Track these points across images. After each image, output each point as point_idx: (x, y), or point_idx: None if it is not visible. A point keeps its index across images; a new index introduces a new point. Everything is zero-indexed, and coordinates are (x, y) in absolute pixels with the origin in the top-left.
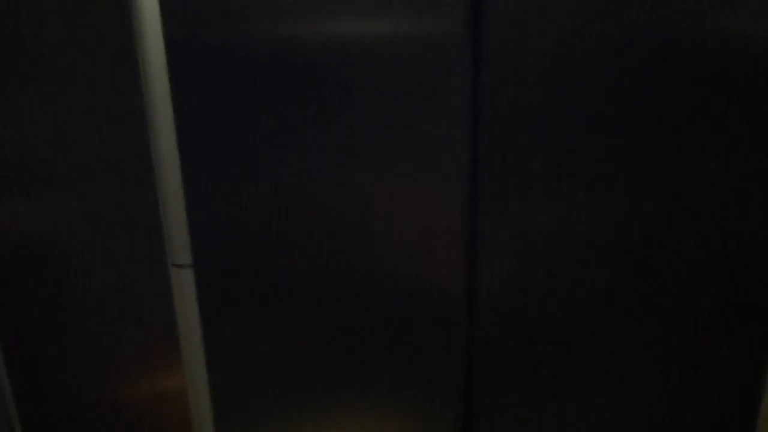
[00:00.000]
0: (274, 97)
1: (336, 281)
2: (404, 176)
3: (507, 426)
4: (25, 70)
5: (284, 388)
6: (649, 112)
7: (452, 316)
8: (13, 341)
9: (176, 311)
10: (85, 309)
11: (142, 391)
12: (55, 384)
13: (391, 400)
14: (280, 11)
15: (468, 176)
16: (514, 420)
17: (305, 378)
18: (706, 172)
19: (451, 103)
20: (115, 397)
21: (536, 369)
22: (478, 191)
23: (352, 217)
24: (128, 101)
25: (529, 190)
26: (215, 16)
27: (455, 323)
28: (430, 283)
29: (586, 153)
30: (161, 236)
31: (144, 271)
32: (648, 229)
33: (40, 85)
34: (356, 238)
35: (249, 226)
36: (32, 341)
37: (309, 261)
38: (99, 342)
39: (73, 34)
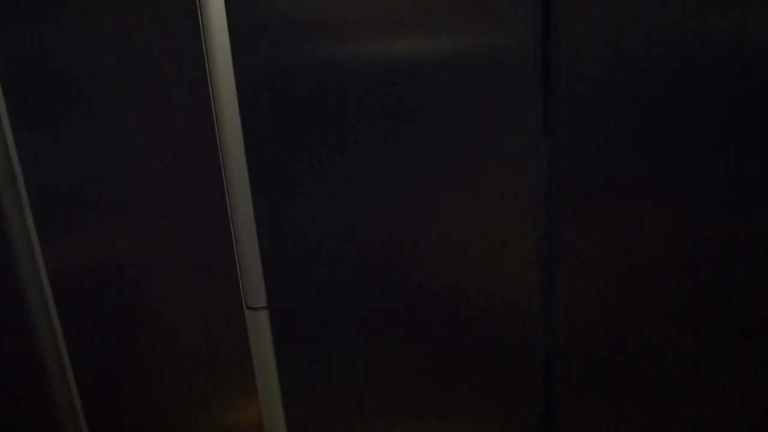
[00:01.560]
0: (344, 129)
1: (408, 307)
2: (477, 194)
3: None
4: (100, 109)
5: (359, 417)
6: (730, 128)
7: (529, 336)
8: (91, 378)
9: (252, 351)
10: (161, 348)
11: (219, 428)
12: (131, 422)
13: (467, 425)
14: (345, 35)
15: (543, 192)
16: None
17: (379, 405)
18: None
19: (523, 119)
20: None
21: (617, 393)
22: (553, 207)
23: (425, 243)
24: (203, 142)
25: (605, 205)
26: (282, 44)
27: (532, 344)
28: (505, 302)
29: (664, 167)
30: (236, 279)
31: (219, 313)
32: (728, 246)
33: (116, 116)
34: (430, 262)
35: (321, 264)
36: (110, 378)
37: (380, 292)
38: (176, 383)
39: (150, 70)
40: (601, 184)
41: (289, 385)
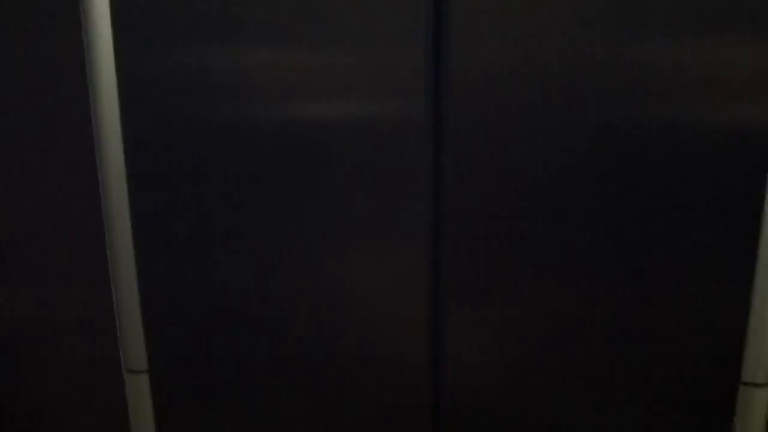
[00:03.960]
0: (232, 185)
1: (296, 375)
2: (367, 258)
3: None
4: None
5: None
6: (621, 196)
7: (419, 401)
8: None
9: (130, 418)
10: (36, 410)
11: None
12: None
13: None
14: (242, 93)
15: (432, 258)
16: None
17: None
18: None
19: (414, 188)
20: None
21: None
22: (442, 274)
23: (315, 306)
24: (84, 198)
25: (494, 275)
26: (177, 100)
27: (422, 409)
28: (393, 364)
29: (552, 238)
30: (116, 341)
31: (98, 377)
32: (622, 314)
33: None
34: (319, 324)
35: (206, 325)
36: None
37: (268, 355)
38: None
39: (32, 123)
40: (490, 257)
41: None
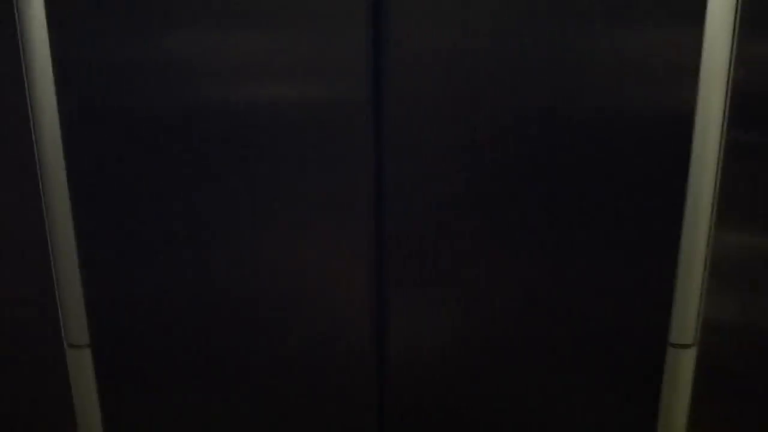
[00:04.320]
0: (174, 161)
1: (240, 351)
2: (309, 239)
3: None
4: None
5: None
6: (558, 189)
7: (361, 380)
8: None
9: (73, 394)
10: None
11: None
12: None
13: None
14: (183, 73)
15: (374, 239)
16: None
17: None
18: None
19: (355, 167)
20: None
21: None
22: (384, 255)
23: (260, 281)
24: (20, 164)
25: (435, 255)
26: (116, 77)
27: (365, 388)
28: (337, 347)
29: (492, 224)
30: (57, 315)
31: (38, 352)
32: (553, 289)
33: None
34: (260, 305)
35: (149, 298)
36: None
37: (213, 332)
38: None
39: None
40: (431, 236)
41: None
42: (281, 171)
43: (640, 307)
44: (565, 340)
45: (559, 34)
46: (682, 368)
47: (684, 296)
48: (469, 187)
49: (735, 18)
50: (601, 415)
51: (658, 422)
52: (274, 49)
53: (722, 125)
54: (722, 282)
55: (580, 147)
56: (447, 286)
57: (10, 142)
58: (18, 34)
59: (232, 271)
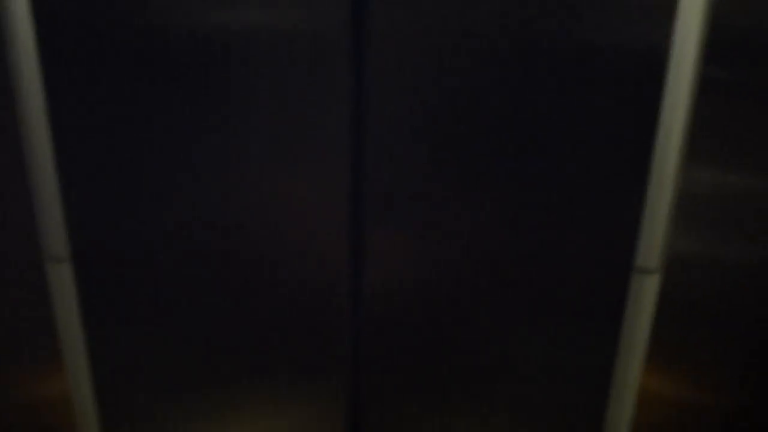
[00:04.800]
0: (150, 86)
1: (220, 277)
2: (287, 173)
3: (394, 418)
4: None
5: (171, 387)
6: (533, 119)
7: (337, 314)
8: None
9: (55, 309)
10: None
11: (21, 398)
12: None
13: (279, 397)
14: (161, 4)
15: (351, 173)
16: (401, 413)
17: (192, 375)
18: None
19: (333, 102)
20: None
21: (421, 364)
22: (361, 189)
23: (234, 212)
24: None
25: (411, 191)
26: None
27: (340, 321)
28: (314, 281)
29: (469, 156)
30: (35, 228)
31: (16, 267)
32: (528, 230)
33: None
34: (238, 232)
35: (133, 216)
36: None
37: (194, 256)
38: None
39: None
40: (408, 173)
41: (98, 350)
42: (258, 103)
43: (608, 231)
44: (534, 268)
45: None
46: (645, 294)
47: (651, 221)
48: (449, 122)
49: None
50: (565, 339)
51: (618, 346)
52: None
53: (696, 60)
54: (689, 214)
55: (554, 81)
56: (423, 222)
57: None
58: None
59: (210, 199)
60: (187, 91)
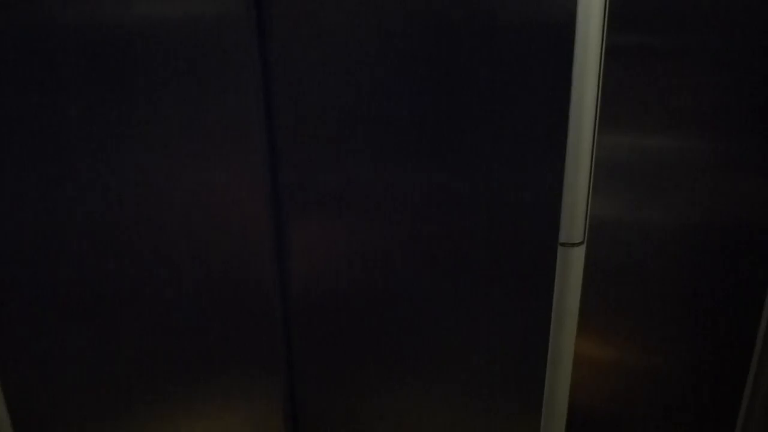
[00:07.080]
0: (55, 85)
1: (138, 280)
2: (202, 166)
3: (332, 407)
4: None
5: (91, 396)
6: (446, 99)
7: (265, 306)
8: None
9: None
10: None
11: None
12: None
13: (215, 399)
14: None
15: (267, 161)
16: (339, 402)
17: (118, 381)
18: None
19: (243, 89)
20: None
21: (355, 350)
22: (277, 179)
23: (144, 210)
24: None
25: (324, 173)
26: None
27: (268, 312)
28: (239, 278)
29: (385, 138)
30: None
31: None
32: (446, 198)
33: None
34: (151, 233)
35: (49, 214)
36: None
37: (114, 256)
38: None
39: None
40: (320, 156)
41: (6, 362)
42: (169, 93)
43: (532, 211)
44: (460, 246)
45: None
46: (572, 266)
47: (572, 197)
48: (358, 97)
49: None
50: (498, 314)
51: (552, 317)
52: None
53: (602, 28)
54: (608, 181)
55: (465, 55)
56: (345, 206)
57: None
58: None
59: (122, 197)
60: (93, 89)
